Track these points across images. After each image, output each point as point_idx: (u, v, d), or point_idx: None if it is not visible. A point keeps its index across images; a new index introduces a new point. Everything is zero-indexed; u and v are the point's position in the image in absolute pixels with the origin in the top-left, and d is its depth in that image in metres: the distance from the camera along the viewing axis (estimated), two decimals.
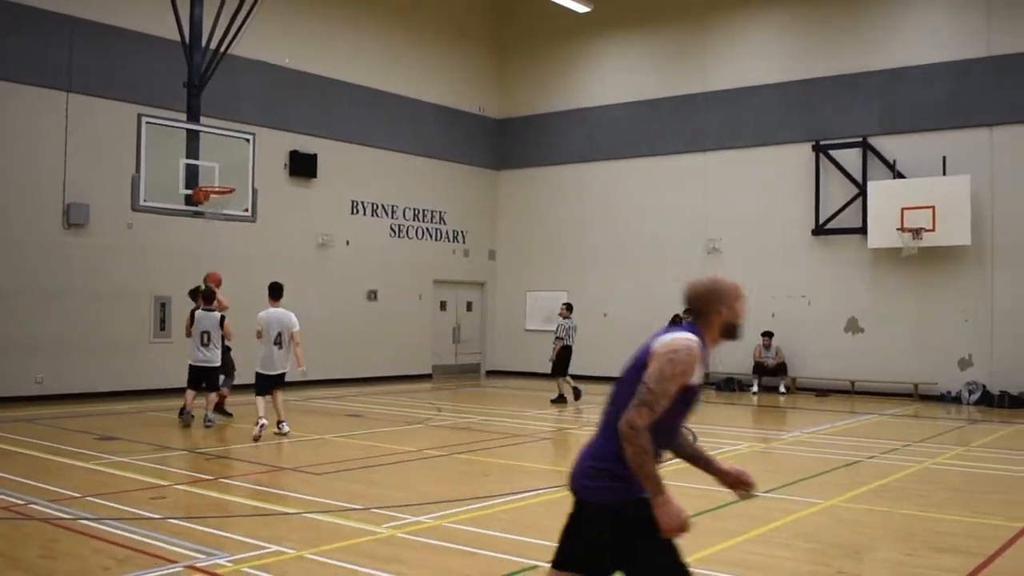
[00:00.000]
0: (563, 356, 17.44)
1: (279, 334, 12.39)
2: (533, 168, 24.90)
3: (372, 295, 21.93)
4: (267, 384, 12.45)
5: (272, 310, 12.53)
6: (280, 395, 12.61)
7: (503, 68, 25.53)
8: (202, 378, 13.33)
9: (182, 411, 13.53)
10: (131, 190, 12.87)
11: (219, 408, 13.84)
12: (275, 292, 12.68)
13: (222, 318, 13.37)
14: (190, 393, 13.38)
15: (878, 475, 9.91)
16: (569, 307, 18.12)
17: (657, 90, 22.78)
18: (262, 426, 11.98)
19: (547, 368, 18.19)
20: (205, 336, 13.20)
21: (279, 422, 12.47)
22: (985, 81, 18.53)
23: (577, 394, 17.27)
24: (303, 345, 12.70)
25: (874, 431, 14.10)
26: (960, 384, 18.37)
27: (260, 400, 12.33)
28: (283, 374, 12.59)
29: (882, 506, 8.28)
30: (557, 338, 17.52)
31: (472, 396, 19.61)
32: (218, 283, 13.83)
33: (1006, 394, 17.59)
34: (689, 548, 6.59)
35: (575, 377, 17.61)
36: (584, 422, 14.69)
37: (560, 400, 17.32)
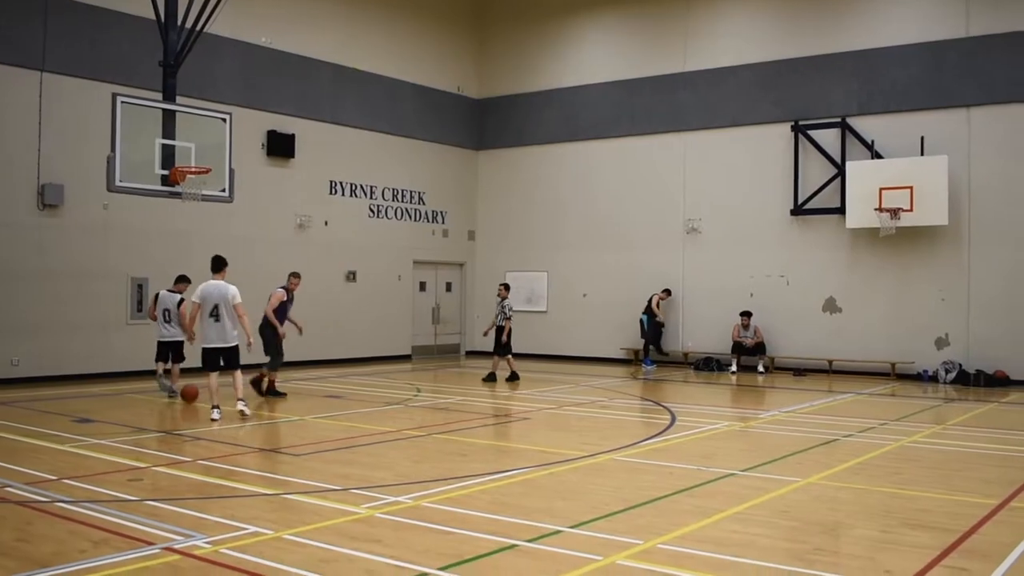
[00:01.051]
0: (508, 335, 17.76)
1: (216, 306, 12.32)
2: (512, 148, 24.84)
3: (351, 276, 21.85)
4: (212, 358, 12.40)
5: (211, 282, 12.45)
6: (239, 374, 12.58)
7: (482, 48, 25.40)
8: (168, 351, 14.28)
9: (170, 391, 14.21)
10: (106, 170, 12.77)
11: (271, 391, 14.52)
12: (216, 265, 12.59)
13: (180, 300, 14.24)
14: (160, 365, 14.31)
15: (855, 453, 9.99)
16: (507, 287, 18.30)
17: (636, 70, 22.74)
18: (218, 416, 12.08)
19: (525, 348, 18.24)
20: (167, 313, 14.26)
21: (238, 399, 12.46)
22: (963, 61, 18.59)
23: (492, 377, 17.79)
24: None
25: (851, 410, 14.21)
26: (937, 363, 18.53)
27: (213, 378, 12.40)
28: (231, 349, 12.45)
29: (859, 484, 8.35)
30: (506, 318, 17.69)
31: (451, 377, 19.59)
32: (194, 396, 13.82)
33: (982, 373, 17.76)
34: (667, 526, 6.65)
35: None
36: (564, 402, 14.71)
37: (491, 378, 17.74)
